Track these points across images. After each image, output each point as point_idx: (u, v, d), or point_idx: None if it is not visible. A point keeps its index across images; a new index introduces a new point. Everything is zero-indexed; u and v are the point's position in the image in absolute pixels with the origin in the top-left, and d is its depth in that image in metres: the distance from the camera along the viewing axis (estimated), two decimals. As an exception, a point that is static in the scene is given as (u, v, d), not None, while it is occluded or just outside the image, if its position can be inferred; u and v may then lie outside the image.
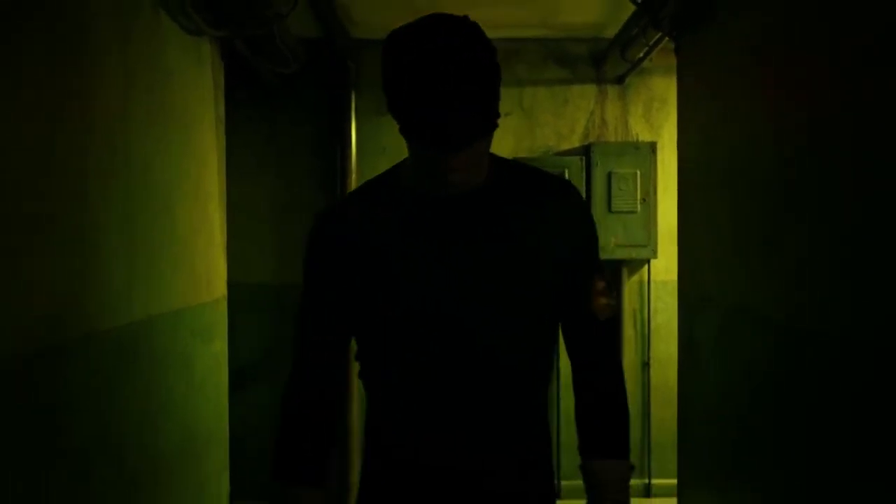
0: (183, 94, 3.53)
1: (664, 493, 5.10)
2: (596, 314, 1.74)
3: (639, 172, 5.24)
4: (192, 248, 3.64)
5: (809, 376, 2.57)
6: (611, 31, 5.03)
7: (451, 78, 1.53)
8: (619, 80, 5.34)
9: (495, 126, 1.62)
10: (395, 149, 5.17)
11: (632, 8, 4.18)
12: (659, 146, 5.28)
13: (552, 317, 1.76)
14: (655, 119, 5.37)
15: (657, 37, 4.22)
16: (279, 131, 5.39)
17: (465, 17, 1.60)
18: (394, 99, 1.59)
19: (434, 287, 1.66)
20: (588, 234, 1.76)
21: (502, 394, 1.70)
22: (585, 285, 1.73)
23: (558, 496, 5.21)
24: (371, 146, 5.29)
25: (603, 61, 5.27)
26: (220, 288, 4.08)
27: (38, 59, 2.24)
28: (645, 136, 5.39)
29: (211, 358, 3.93)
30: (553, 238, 1.69)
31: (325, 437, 1.77)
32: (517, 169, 1.76)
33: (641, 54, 4.68)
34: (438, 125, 1.55)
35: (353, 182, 5.26)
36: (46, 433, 2.26)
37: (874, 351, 2.15)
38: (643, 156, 5.26)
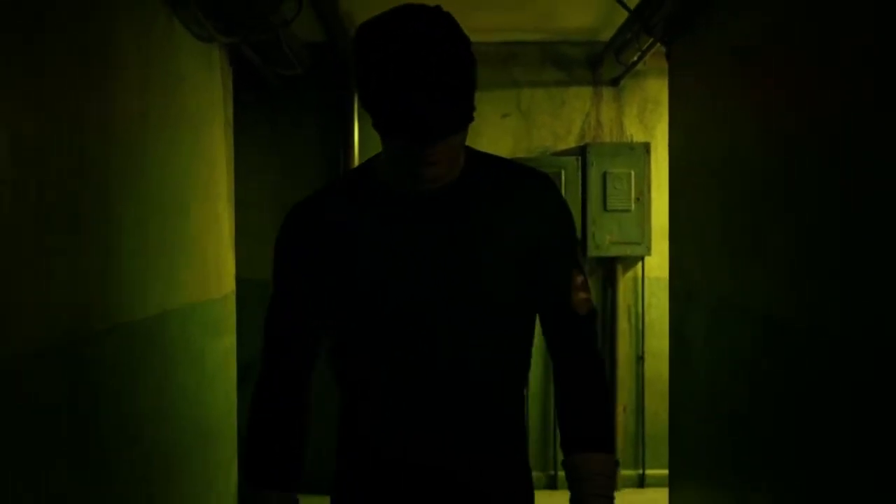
0: (194, 98, 3.69)
1: (657, 483, 5.24)
2: (576, 309, 1.72)
3: (633, 172, 5.40)
4: (203, 245, 3.79)
5: (789, 367, 2.73)
6: (606, 35, 5.19)
7: (431, 69, 1.48)
8: (614, 83, 5.50)
9: (471, 119, 1.57)
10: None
11: (626, 13, 4.33)
12: (653, 147, 5.44)
13: (530, 312, 1.74)
14: (649, 120, 5.52)
15: (650, 42, 4.37)
16: (284, 132, 5.55)
17: (439, 8, 1.56)
18: (368, 91, 1.53)
19: (407, 284, 1.63)
20: (565, 229, 1.73)
21: (478, 391, 1.68)
22: (564, 280, 1.71)
23: (555, 487, 5.39)
24: (372, 144, 5.41)
25: (598, 64, 5.42)
26: (228, 284, 4.24)
27: (66, 68, 2.39)
28: (639, 137, 5.54)
29: (220, 352, 4.09)
30: (529, 233, 1.67)
31: (297, 438, 1.74)
32: (492, 162, 1.73)
33: (635, 58, 4.84)
34: (416, 117, 1.49)
35: (356, 180, 5.41)
36: (75, 417, 2.41)
37: (843, 341, 2.31)
38: (637, 156, 5.41)
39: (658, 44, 4.34)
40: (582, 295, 1.72)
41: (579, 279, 1.72)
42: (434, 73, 1.48)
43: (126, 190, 2.83)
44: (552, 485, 5.44)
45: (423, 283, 1.63)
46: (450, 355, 1.65)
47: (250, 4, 3.78)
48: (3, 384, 2.02)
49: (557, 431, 1.75)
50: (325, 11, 4.64)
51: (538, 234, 1.69)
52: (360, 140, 5.49)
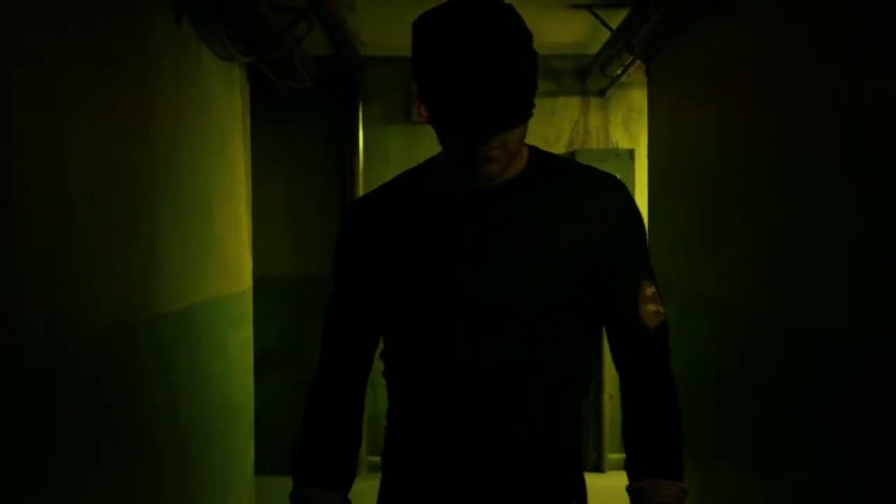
0: (218, 112, 4.09)
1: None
2: (644, 322, 1.59)
3: (618, 177, 5.80)
4: (226, 245, 4.20)
5: (738, 348, 3.15)
6: (593, 49, 5.59)
7: (489, 64, 1.44)
8: (601, 93, 5.91)
9: (530, 115, 1.53)
10: (398, 154, 5.77)
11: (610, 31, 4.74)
12: (637, 153, 5.85)
13: (592, 321, 1.64)
14: (634, 128, 5.93)
15: (631, 58, 4.78)
16: (294, 139, 5.95)
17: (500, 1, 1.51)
18: (425, 87, 1.50)
19: (462, 284, 1.58)
20: (633, 235, 1.62)
21: (532, 397, 1.59)
22: (632, 290, 1.60)
23: (602, 470, 5.79)
24: (376, 151, 5.86)
25: (586, 76, 5.83)
26: (247, 280, 4.65)
27: (119, 92, 2.80)
28: (624, 144, 5.96)
29: (240, 342, 4.50)
30: (589, 237, 1.58)
31: (349, 438, 1.71)
32: (557, 162, 1.66)
33: (619, 71, 5.25)
34: (470, 113, 1.46)
35: (361, 183, 5.83)
36: (122, 396, 2.82)
37: (797, 329, 2.72)
38: (623, 161, 5.83)
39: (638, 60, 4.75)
40: (651, 307, 1.60)
41: (649, 290, 1.61)
42: (491, 69, 1.44)
43: (165, 195, 3.23)
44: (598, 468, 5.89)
45: (470, 282, 1.57)
46: (497, 358, 1.57)
47: (267, 27, 4.18)
48: (85, 361, 2.43)
49: (605, 412, 1.69)
50: (333, 29, 5.05)
51: (601, 238, 1.58)
52: (364, 146, 5.90)
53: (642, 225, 1.65)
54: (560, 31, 5.34)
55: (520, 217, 1.58)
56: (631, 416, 1.64)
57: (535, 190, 1.59)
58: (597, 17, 4.50)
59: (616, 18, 4.50)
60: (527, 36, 1.50)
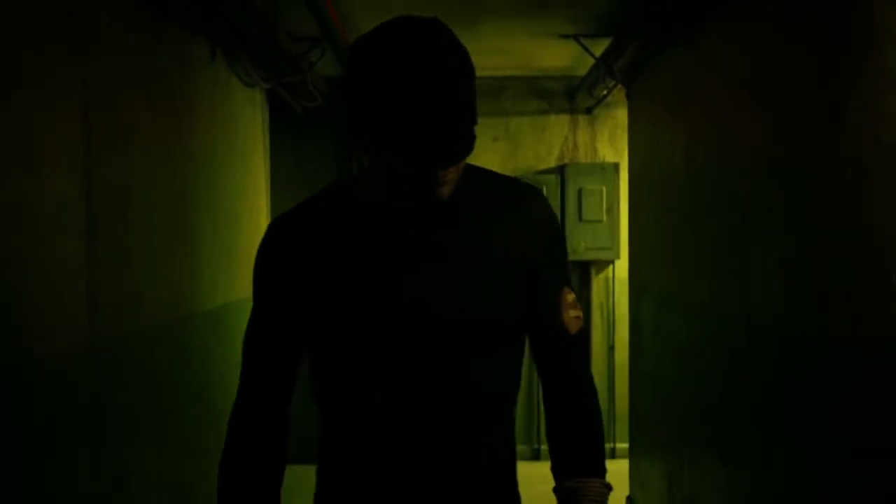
0: (243, 132, 4.59)
1: (626, 454, 6.13)
2: (566, 327, 1.64)
3: (605, 188, 6.32)
4: (249, 251, 4.68)
5: (703, 343, 3.64)
6: (581, 72, 6.08)
7: (447, 91, 1.42)
8: (589, 111, 6.42)
9: (475, 136, 1.51)
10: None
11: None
12: (621, 166, 6.35)
13: (519, 329, 1.65)
14: (619, 144, 6.43)
15: (613, 82, 5.28)
16: (306, 152, 6.46)
17: (436, 19, 1.49)
18: (370, 114, 1.44)
19: (397, 298, 1.54)
20: (554, 244, 1.66)
21: (469, 409, 1.58)
22: (554, 297, 1.64)
23: (538, 458, 6.24)
24: (381, 166, 6.37)
25: (575, 96, 6.34)
26: (266, 283, 5.14)
27: (165, 122, 3.29)
28: (610, 158, 6.47)
29: (260, 338, 4.98)
30: (520, 246, 1.60)
31: (276, 463, 1.63)
32: (484, 176, 1.65)
33: (604, 92, 5.76)
34: (444, 139, 1.43)
35: (367, 196, 6.33)
36: (168, 385, 3.30)
37: (750, 325, 3.20)
38: (608, 174, 6.34)
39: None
40: (572, 313, 1.65)
41: (570, 297, 1.65)
42: (458, 97, 1.43)
43: (203, 208, 3.73)
44: (536, 456, 6.34)
45: (413, 296, 1.54)
46: (444, 373, 1.55)
47: (286, 56, 4.68)
48: (136, 350, 2.92)
49: (541, 406, 1.70)
50: (342, 54, 5.54)
51: (529, 248, 1.61)
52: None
53: (563, 236, 1.72)
54: (550, 57, 5.85)
55: (457, 229, 1.58)
56: (555, 418, 1.67)
57: (468, 203, 1.59)
58: (582, 45, 5.00)
59: (599, 47, 5.00)
60: (467, 53, 1.49)
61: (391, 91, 1.42)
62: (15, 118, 2.09)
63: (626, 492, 5.32)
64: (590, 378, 1.69)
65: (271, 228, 1.63)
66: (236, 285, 4.35)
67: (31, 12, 2.20)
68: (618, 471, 6.10)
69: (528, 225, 1.62)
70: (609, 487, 1.65)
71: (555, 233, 1.67)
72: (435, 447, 1.57)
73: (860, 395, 2.26)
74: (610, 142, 6.48)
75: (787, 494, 2.77)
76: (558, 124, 6.48)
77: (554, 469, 1.67)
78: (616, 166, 6.35)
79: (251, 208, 4.73)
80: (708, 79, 3.65)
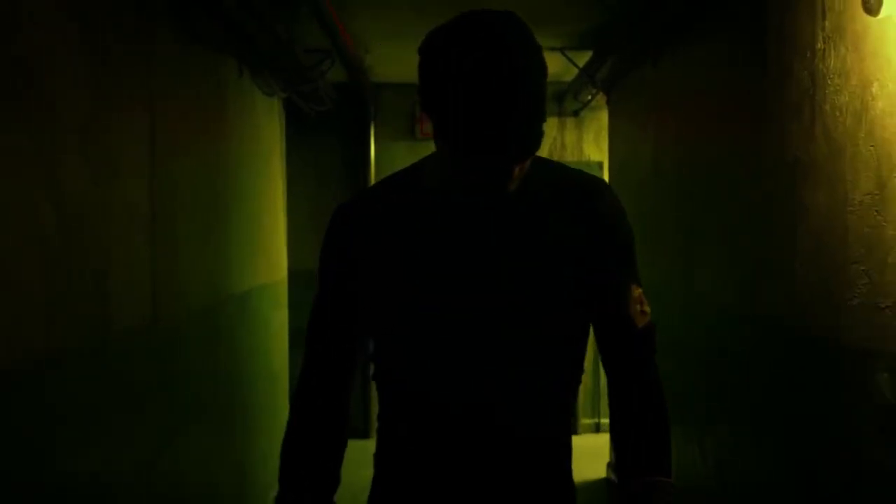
0: (264, 138, 5.16)
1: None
2: (633, 321, 1.62)
3: (591, 184, 6.87)
4: (269, 243, 5.26)
5: (681, 329, 4.21)
6: (568, 77, 6.63)
7: (520, 86, 1.44)
8: (575, 114, 6.99)
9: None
10: (403, 165, 6.72)
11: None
12: (605, 165, 6.89)
13: (583, 323, 1.64)
14: (603, 144, 6.98)
15: (596, 89, 5.85)
16: (317, 152, 7.03)
17: (511, 15, 1.50)
18: (444, 110, 1.48)
19: (459, 288, 1.57)
20: (622, 238, 1.64)
21: (527, 400, 1.60)
22: (621, 291, 1.62)
23: (599, 431, 6.77)
24: (385, 163, 6.93)
25: (562, 100, 6.90)
26: (284, 271, 5.72)
27: (200, 134, 3.85)
28: (595, 157, 7.04)
29: (279, 320, 5.57)
30: (584, 240, 1.59)
31: (336, 442, 1.69)
32: (550, 167, 1.66)
33: (589, 97, 6.32)
34: (512, 137, 1.46)
35: (373, 191, 6.91)
36: (211, 360, 3.87)
37: (695, 304, 3.77)
38: (593, 172, 6.79)
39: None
40: (639, 308, 1.64)
41: (636, 292, 1.64)
42: (528, 95, 1.45)
43: (232, 206, 4.29)
44: (597, 429, 6.91)
45: (475, 287, 1.56)
46: (504, 362, 1.58)
47: (300, 68, 5.23)
48: (190, 327, 3.49)
49: (605, 381, 1.69)
50: (350, 63, 6.10)
51: (593, 241, 1.60)
52: (374, 159, 7.00)
53: (630, 229, 1.67)
54: (540, 64, 6.39)
55: (521, 223, 1.58)
56: (619, 414, 1.65)
57: (532, 197, 1.58)
58: (567, 57, 5.56)
59: (583, 57, 5.55)
60: (541, 50, 1.51)
61: (460, 88, 1.45)
62: (104, 140, 2.64)
63: (608, 458, 5.88)
64: (656, 371, 1.66)
65: (337, 215, 1.67)
66: (259, 272, 4.93)
67: (110, 51, 2.75)
68: (604, 444, 6.67)
69: (592, 218, 1.61)
70: (673, 486, 1.61)
71: (619, 226, 1.65)
72: (493, 440, 1.59)
73: (783, 360, 2.84)
74: (595, 142, 7.04)
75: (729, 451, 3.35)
76: (547, 126, 6.85)
77: (618, 466, 1.65)
78: (600, 164, 6.91)
79: (270, 205, 5.30)
80: (670, 92, 4.21)
